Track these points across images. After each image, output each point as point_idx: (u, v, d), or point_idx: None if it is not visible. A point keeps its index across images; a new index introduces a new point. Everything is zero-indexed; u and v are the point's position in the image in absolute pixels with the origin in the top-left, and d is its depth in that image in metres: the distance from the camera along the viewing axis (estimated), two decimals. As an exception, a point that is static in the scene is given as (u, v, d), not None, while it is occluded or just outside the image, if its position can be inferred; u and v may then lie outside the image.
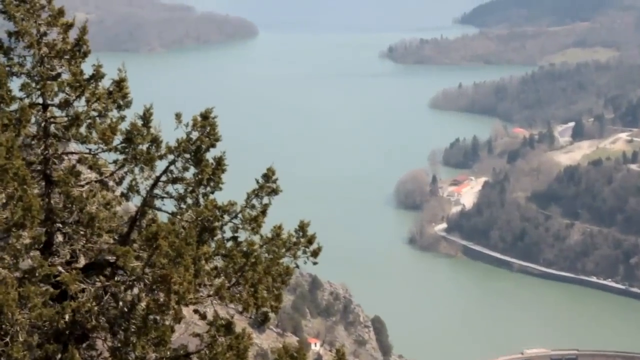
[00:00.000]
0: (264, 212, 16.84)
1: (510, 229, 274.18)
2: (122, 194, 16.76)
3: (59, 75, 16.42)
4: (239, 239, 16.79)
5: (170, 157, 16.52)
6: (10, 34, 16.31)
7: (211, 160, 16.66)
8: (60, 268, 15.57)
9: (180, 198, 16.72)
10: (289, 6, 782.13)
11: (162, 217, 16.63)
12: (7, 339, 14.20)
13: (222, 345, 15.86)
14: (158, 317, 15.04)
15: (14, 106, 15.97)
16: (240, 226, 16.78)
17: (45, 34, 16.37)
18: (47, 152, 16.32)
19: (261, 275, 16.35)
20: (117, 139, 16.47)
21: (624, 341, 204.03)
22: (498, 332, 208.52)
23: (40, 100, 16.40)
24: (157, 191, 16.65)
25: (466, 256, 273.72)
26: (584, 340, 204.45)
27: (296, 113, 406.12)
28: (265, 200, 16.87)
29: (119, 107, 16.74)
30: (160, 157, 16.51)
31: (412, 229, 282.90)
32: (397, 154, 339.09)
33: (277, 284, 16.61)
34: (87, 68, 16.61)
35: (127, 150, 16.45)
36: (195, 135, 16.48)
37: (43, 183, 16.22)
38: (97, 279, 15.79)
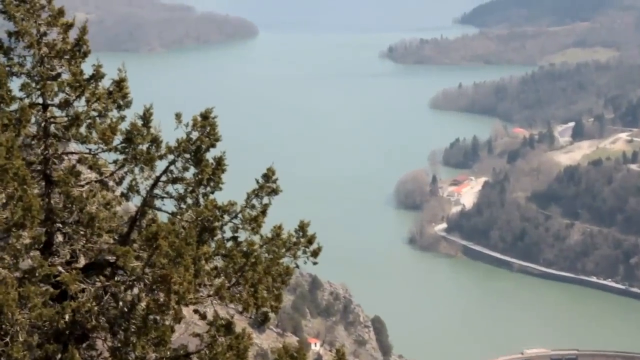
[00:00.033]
0: (264, 212, 16.84)
1: (510, 229, 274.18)
2: (122, 194, 16.76)
3: (59, 75, 16.42)
4: (239, 239, 16.79)
5: (170, 157, 16.52)
6: (10, 34, 16.30)
7: (211, 160, 16.66)
8: (60, 268, 15.57)
9: (180, 198, 16.72)
10: (289, 6, 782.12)
11: (162, 217, 16.63)
12: (7, 339, 14.20)
13: (222, 345, 15.86)
14: (158, 317, 15.04)
15: (14, 106, 15.97)
16: (240, 226, 16.78)
17: (45, 34, 16.37)
18: (47, 152, 16.32)
19: (261, 275, 16.35)
20: (117, 139, 16.47)
21: (624, 341, 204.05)
22: (498, 332, 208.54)
23: (40, 100, 16.40)
24: (157, 191, 16.65)
25: (466, 256, 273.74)
26: (584, 340, 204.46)
27: (296, 113, 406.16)
28: (265, 200, 16.87)
29: (119, 107, 16.74)
30: (160, 157, 16.51)
31: (412, 229, 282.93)
32: (397, 154, 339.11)
33: (277, 284, 16.61)
34: (87, 68, 16.61)
35: (127, 150, 16.45)
36: (195, 135, 16.48)
37: (43, 183, 16.22)
38: (97, 279, 15.79)
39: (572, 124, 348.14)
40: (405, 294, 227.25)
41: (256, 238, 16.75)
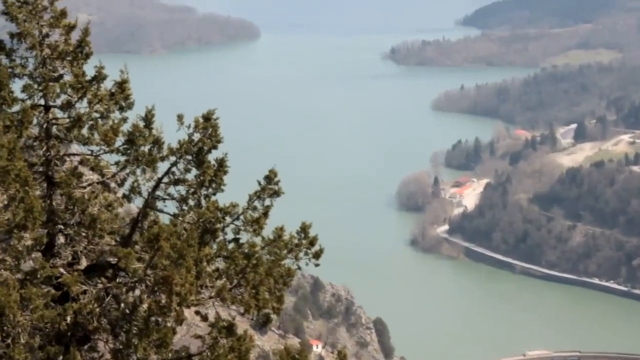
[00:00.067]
0: (265, 214, 16.82)
1: (512, 231, 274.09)
2: (124, 196, 16.76)
3: (61, 76, 16.42)
4: (241, 241, 16.78)
5: (172, 158, 16.52)
6: (12, 36, 16.31)
7: (213, 162, 16.65)
8: (61, 270, 15.56)
9: (182, 200, 16.71)
10: (291, 8, 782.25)
11: (164, 219, 16.63)
12: (9, 341, 14.19)
13: (224, 347, 15.85)
14: (160, 319, 15.03)
15: (16, 108, 15.96)
16: (242, 228, 16.77)
17: (47, 35, 16.36)
18: (49, 153, 16.31)
19: (263, 277, 16.34)
20: (119, 141, 16.47)
21: (626, 343, 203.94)
22: (500, 333, 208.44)
23: (42, 102, 16.40)
24: (159, 193, 16.65)
25: (468, 258, 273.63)
26: (586, 342, 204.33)
27: (298, 114, 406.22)
28: (267, 202, 16.85)
29: (121, 109, 16.74)
30: (162, 159, 16.51)
31: (414, 231, 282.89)
32: (399, 155, 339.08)
33: (279, 286, 16.60)
34: (89, 69, 16.61)
35: (129, 151, 16.45)
36: (197, 136, 16.47)
37: (45, 184, 16.21)
38: (99, 281, 15.78)
39: (574, 125, 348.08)
40: (407, 295, 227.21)
41: (258, 240, 16.74)
